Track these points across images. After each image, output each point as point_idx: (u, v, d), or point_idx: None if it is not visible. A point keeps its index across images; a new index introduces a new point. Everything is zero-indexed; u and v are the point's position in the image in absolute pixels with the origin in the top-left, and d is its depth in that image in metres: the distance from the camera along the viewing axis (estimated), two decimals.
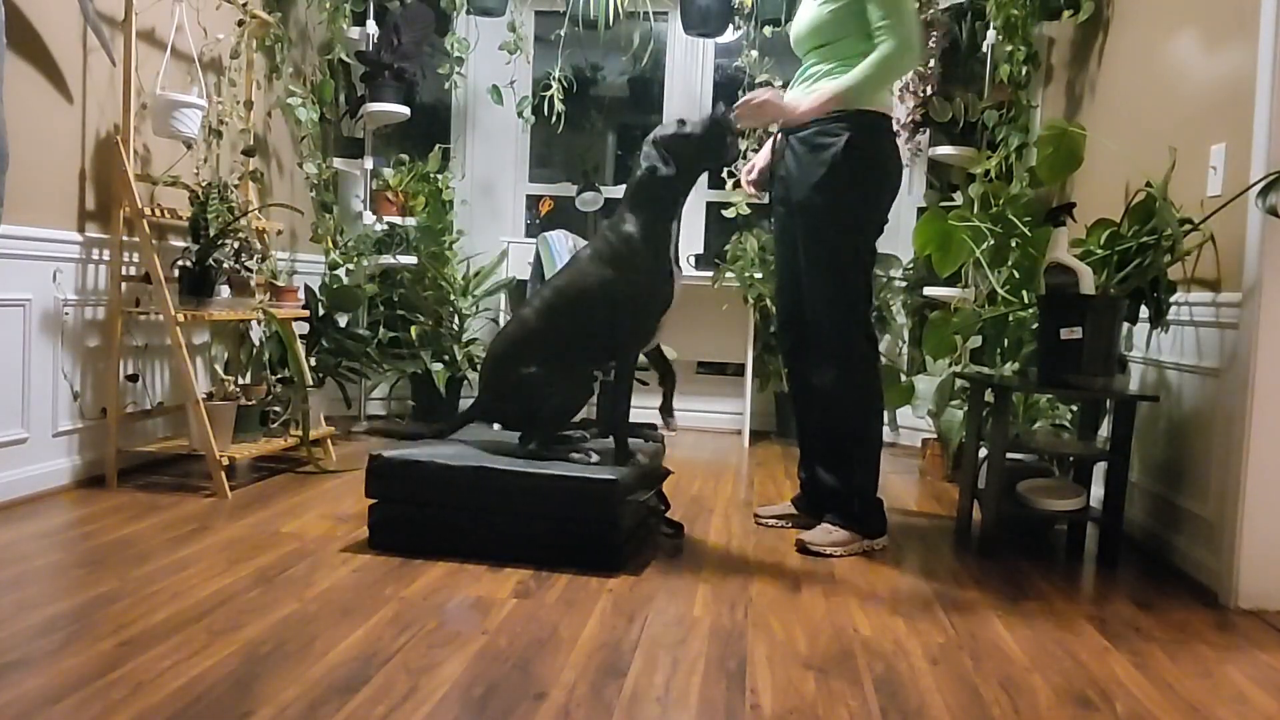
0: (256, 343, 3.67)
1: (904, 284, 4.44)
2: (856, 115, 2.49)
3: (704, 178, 4.82)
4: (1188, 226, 2.49)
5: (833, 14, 2.51)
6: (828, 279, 2.58)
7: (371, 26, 4.27)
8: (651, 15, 4.51)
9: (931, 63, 3.92)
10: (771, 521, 2.87)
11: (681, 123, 2.54)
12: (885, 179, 2.60)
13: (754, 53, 4.42)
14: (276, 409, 3.41)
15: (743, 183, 2.90)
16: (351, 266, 4.26)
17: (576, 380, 2.55)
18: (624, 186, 2.62)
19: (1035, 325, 2.71)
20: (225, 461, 2.95)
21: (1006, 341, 2.97)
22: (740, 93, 4.45)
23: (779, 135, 2.73)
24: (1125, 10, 3.21)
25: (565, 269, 2.61)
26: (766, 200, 2.85)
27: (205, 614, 1.91)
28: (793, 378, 2.85)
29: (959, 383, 3.33)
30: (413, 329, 4.40)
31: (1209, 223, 2.45)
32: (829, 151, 2.51)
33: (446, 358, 4.41)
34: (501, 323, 4.66)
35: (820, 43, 2.55)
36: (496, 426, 2.79)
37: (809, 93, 2.55)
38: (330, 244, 4.19)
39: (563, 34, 4.45)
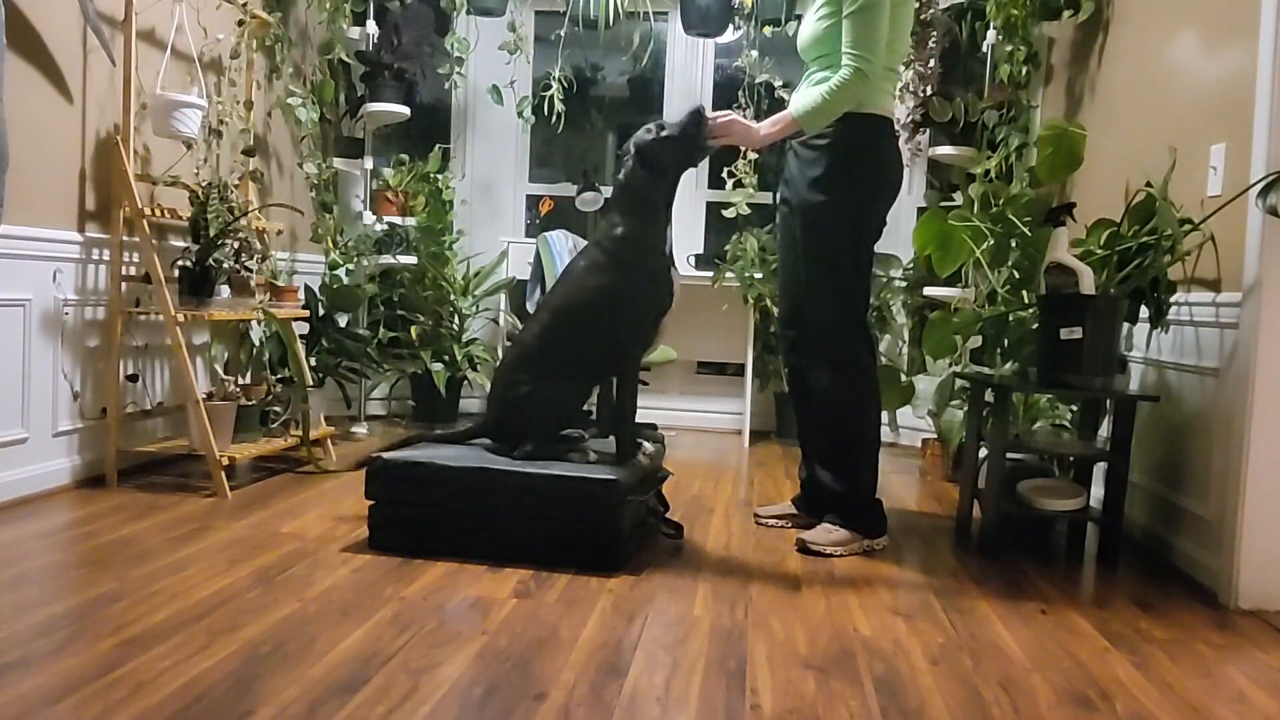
0: (256, 343, 3.67)
1: (904, 284, 4.44)
2: (857, 118, 2.50)
3: (704, 177, 4.87)
4: (1188, 226, 2.49)
5: (826, 30, 2.53)
6: (826, 280, 2.59)
7: (371, 26, 4.26)
8: (651, 15, 4.51)
9: (931, 63, 3.92)
10: (771, 521, 2.87)
11: (660, 127, 2.57)
12: (884, 181, 2.60)
13: (754, 53, 4.43)
14: (276, 409, 3.41)
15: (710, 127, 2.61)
16: (351, 266, 4.25)
17: (574, 395, 2.57)
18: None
19: (1035, 325, 2.70)
20: (225, 461, 2.95)
21: (1006, 341, 2.97)
22: (740, 92, 4.47)
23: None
24: (1125, 10, 3.21)
25: (560, 284, 2.62)
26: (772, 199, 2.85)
27: (205, 614, 1.91)
28: (793, 378, 2.85)
29: (959, 383, 3.33)
30: (413, 329, 4.40)
31: (1209, 223, 2.45)
32: (828, 153, 2.52)
33: (446, 358, 4.41)
34: (501, 323, 4.67)
35: (821, 53, 2.57)
36: None
37: (767, 120, 2.59)
38: (330, 244, 4.19)
39: (563, 34, 4.45)
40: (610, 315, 2.51)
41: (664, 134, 2.54)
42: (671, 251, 2.60)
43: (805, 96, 2.52)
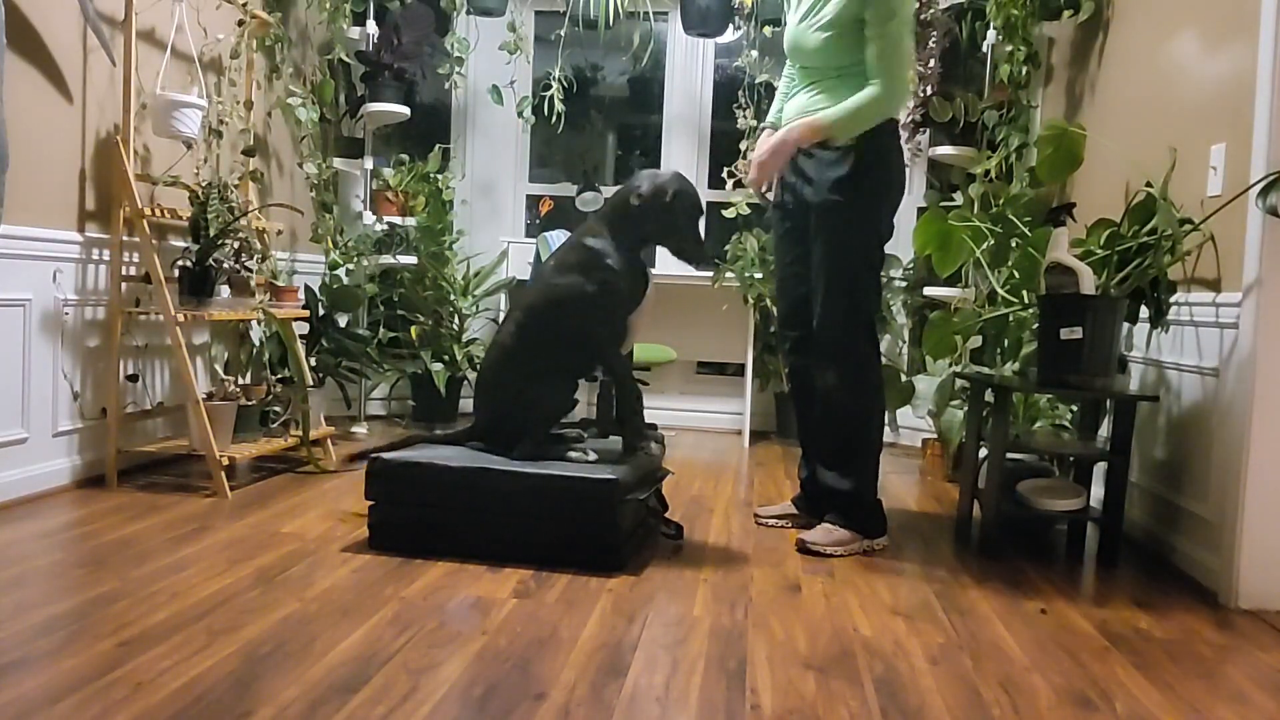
0: (256, 343, 3.67)
1: (904, 284, 4.44)
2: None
3: (704, 177, 4.86)
4: (1188, 226, 2.49)
5: (829, 41, 2.52)
6: (842, 280, 2.58)
7: (371, 26, 4.26)
8: (651, 15, 4.51)
9: (931, 63, 3.92)
10: (771, 521, 2.87)
11: (697, 207, 2.59)
12: (896, 182, 2.61)
13: (754, 53, 4.42)
14: (276, 409, 3.41)
15: (747, 183, 2.89)
16: (351, 266, 4.25)
17: (557, 391, 2.58)
18: (615, 192, 2.63)
19: (1035, 325, 2.71)
20: (225, 461, 2.95)
21: (1006, 341, 2.98)
22: (740, 93, 4.47)
23: (769, 129, 2.76)
24: (1125, 10, 3.21)
25: (531, 286, 2.63)
26: (772, 200, 2.83)
27: (205, 614, 1.91)
28: (794, 378, 2.85)
29: (959, 383, 3.33)
30: (413, 329, 4.40)
31: (1209, 223, 2.45)
32: (852, 155, 2.52)
33: (446, 358, 4.41)
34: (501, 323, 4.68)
35: (818, 64, 2.57)
36: None
37: (800, 122, 2.56)
38: (330, 244, 4.19)
39: (563, 34, 4.45)
40: (576, 312, 2.52)
41: (696, 213, 2.58)
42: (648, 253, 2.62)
43: (840, 108, 2.50)
